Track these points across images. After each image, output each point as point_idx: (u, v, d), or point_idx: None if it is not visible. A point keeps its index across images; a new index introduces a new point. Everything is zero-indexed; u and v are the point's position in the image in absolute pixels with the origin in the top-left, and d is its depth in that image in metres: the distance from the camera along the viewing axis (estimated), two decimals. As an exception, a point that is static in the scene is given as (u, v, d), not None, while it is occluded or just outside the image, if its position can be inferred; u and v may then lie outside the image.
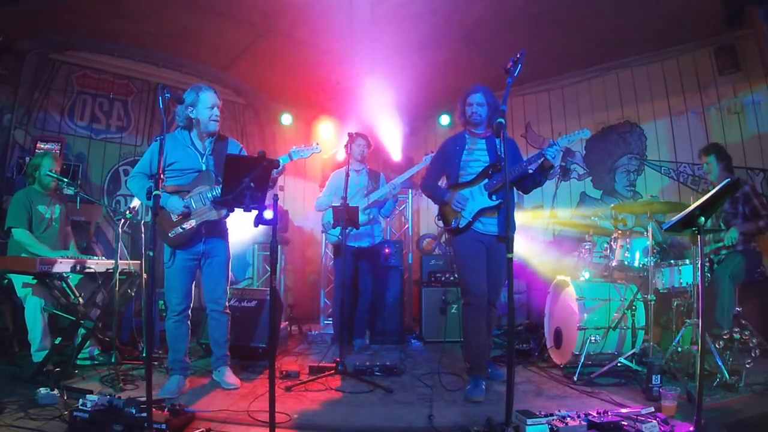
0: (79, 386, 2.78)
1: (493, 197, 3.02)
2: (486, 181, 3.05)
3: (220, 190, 2.85)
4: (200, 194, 2.94)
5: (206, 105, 2.97)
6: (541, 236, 5.39)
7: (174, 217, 2.92)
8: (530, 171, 3.08)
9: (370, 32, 4.92)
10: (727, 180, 2.41)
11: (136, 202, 3.59)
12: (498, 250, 3.04)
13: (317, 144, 3.16)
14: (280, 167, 2.92)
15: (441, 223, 3.29)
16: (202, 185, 2.96)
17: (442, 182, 3.34)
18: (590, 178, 5.66)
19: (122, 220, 3.47)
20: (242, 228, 3.52)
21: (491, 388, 2.99)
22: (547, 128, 6.00)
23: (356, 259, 4.50)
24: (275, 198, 2.21)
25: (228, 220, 3.12)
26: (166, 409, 2.19)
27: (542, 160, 2.96)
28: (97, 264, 3.35)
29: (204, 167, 3.01)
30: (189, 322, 3.04)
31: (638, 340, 3.33)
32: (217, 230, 3.05)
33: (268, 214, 2.14)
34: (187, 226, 2.92)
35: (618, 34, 4.79)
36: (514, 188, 3.21)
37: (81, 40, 5.04)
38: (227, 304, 3.17)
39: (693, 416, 2.20)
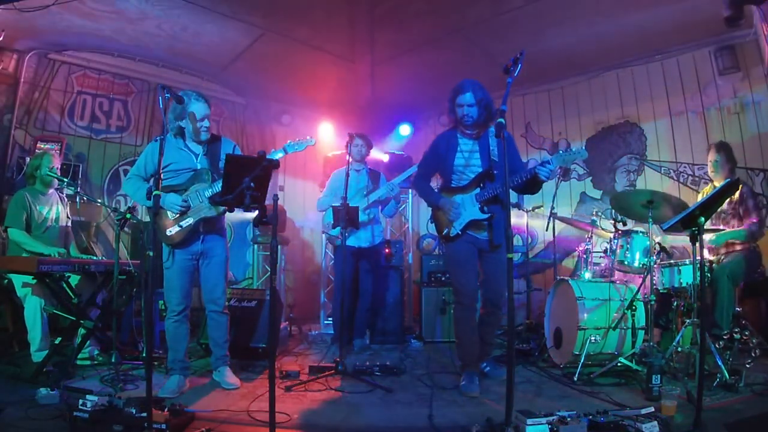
0: (79, 386, 2.78)
1: (485, 209, 2.97)
2: (477, 190, 3.01)
3: (217, 187, 2.87)
4: (197, 192, 2.95)
5: (196, 118, 2.97)
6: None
7: (171, 216, 2.92)
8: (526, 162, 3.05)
9: (370, 32, 4.92)
10: (727, 180, 2.41)
11: (136, 203, 3.60)
12: (491, 253, 3.07)
13: (311, 137, 3.16)
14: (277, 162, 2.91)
15: (434, 225, 3.23)
16: (199, 183, 2.96)
17: (435, 181, 3.33)
18: (590, 178, 5.66)
19: (122, 220, 3.46)
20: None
21: (491, 388, 3.00)
22: (547, 128, 6.00)
23: (356, 259, 4.50)
24: (275, 198, 2.21)
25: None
26: (166, 409, 2.18)
27: (533, 176, 2.84)
28: (97, 264, 3.36)
29: (199, 166, 3.02)
30: (189, 322, 3.04)
31: (638, 340, 3.33)
32: (214, 229, 3.06)
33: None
34: (185, 223, 2.92)
35: (618, 34, 4.79)
36: (510, 189, 3.15)
37: (81, 40, 5.03)
38: (226, 304, 3.17)
39: (693, 416, 2.20)
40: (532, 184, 2.95)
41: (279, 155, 3.00)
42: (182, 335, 2.99)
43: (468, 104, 2.98)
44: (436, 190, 3.22)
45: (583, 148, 2.95)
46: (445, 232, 3.09)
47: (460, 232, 3.02)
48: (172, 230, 2.93)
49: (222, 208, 2.97)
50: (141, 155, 3.08)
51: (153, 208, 2.26)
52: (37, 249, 3.44)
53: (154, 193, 2.26)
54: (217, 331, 3.09)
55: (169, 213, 2.93)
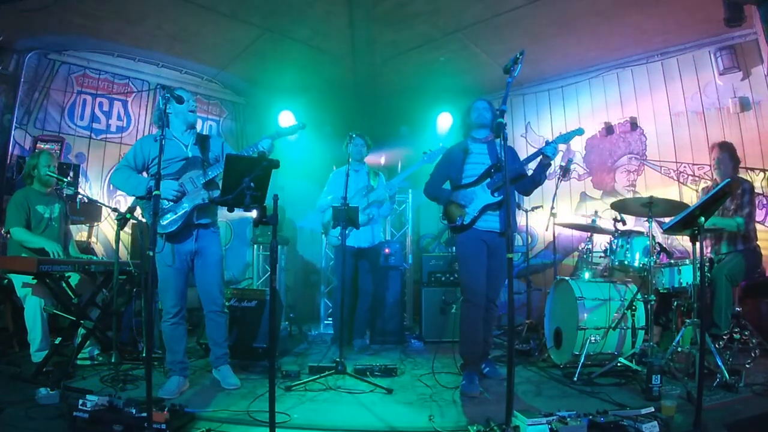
0: (79, 386, 2.78)
1: (496, 194, 3.12)
2: (488, 180, 3.14)
3: (211, 173, 2.92)
4: (191, 179, 2.95)
5: (183, 99, 2.93)
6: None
7: (166, 204, 2.88)
8: (529, 170, 3.19)
9: (370, 32, 4.92)
10: (727, 180, 2.41)
11: (136, 202, 3.59)
12: (499, 248, 3.14)
13: (301, 123, 3.17)
14: (268, 147, 2.95)
15: (446, 222, 3.35)
16: (192, 171, 2.96)
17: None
18: (590, 178, 5.66)
19: (122, 220, 3.46)
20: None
21: (491, 388, 3.01)
22: (547, 128, 6.00)
23: (356, 259, 4.50)
24: (275, 198, 2.22)
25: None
26: (166, 409, 2.19)
27: (540, 157, 3.09)
28: (97, 264, 3.35)
29: (190, 154, 3.01)
30: (186, 323, 3.04)
31: (638, 340, 3.33)
32: (207, 226, 3.05)
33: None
34: (180, 210, 2.90)
35: (618, 34, 4.79)
36: (515, 191, 3.32)
37: (81, 40, 5.03)
38: (225, 303, 3.18)
39: (693, 416, 2.20)
40: (539, 171, 3.15)
41: (268, 142, 2.97)
42: (179, 337, 2.98)
43: (484, 108, 3.31)
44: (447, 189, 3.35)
45: (581, 128, 3.21)
46: (458, 221, 3.15)
47: (476, 215, 3.10)
48: (165, 218, 2.89)
49: (217, 192, 2.93)
50: (130, 149, 3.04)
51: (154, 208, 2.25)
52: (41, 244, 3.42)
53: (154, 194, 2.25)
54: (216, 332, 3.08)
55: (163, 201, 2.86)
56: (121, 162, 3.02)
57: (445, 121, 6.66)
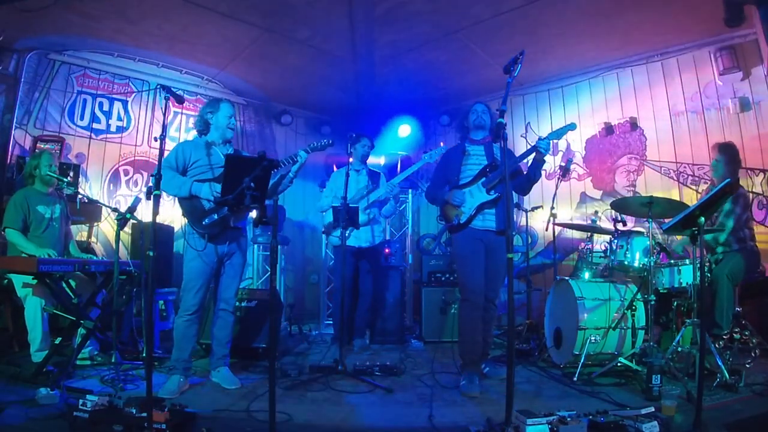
0: (79, 386, 2.78)
1: (491, 192, 3.13)
2: (484, 179, 3.16)
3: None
4: None
5: (226, 114, 3.13)
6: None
7: (208, 205, 2.97)
8: (525, 165, 3.23)
9: (370, 32, 4.92)
10: (726, 180, 2.41)
11: (136, 202, 3.59)
12: (497, 247, 3.15)
13: (330, 140, 3.47)
14: (303, 160, 3.13)
15: (443, 223, 3.37)
16: None
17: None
18: (590, 178, 5.66)
19: (122, 220, 3.46)
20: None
21: (491, 388, 3.00)
22: (547, 128, 5.98)
23: (356, 259, 4.50)
24: (275, 198, 2.22)
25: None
26: (166, 409, 2.18)
27: (535, 153, 3.12)
28: (97, 264, 3.35)
29: None
30: (198, 323, 3.06)
31: (638, 340, 3.33)
32: (240, 232, 3.16)
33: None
34: (221, 212, 2.97)
35: (618, 34, 4.79)
36: (513, 191, 3.33)
37: (81, 40, 5.03)
38: (236, 304, 3.25)
39: (693, 416, 2.20)
40: (534, 168, 3.17)
41: (305, 155, 3.17)
42: (191, 335, 3.00)
43: (482, 111, 3.37)
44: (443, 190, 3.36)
45: (573, 123, 3.22)
46: (455, 220, 3.17)
47: (472, 213, 3.12)
48: (208, 219, 2.96)
49: None
50: (171, 151, 3.06)
51: (153, 209, 2.26)
52: (29, 250, 3.40)
53: (153, 193, 2.26)
54: (223, 331, 3.11)
55: (205, 203, 2.97)
56: (163, 164, 3.02)
57: (445, 122, 6.67)
